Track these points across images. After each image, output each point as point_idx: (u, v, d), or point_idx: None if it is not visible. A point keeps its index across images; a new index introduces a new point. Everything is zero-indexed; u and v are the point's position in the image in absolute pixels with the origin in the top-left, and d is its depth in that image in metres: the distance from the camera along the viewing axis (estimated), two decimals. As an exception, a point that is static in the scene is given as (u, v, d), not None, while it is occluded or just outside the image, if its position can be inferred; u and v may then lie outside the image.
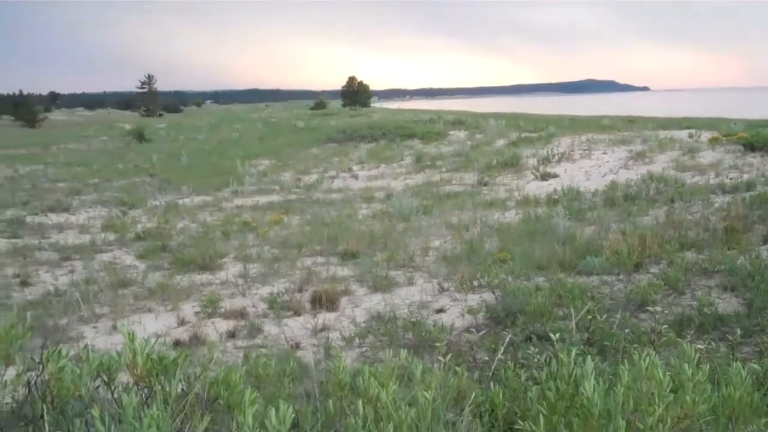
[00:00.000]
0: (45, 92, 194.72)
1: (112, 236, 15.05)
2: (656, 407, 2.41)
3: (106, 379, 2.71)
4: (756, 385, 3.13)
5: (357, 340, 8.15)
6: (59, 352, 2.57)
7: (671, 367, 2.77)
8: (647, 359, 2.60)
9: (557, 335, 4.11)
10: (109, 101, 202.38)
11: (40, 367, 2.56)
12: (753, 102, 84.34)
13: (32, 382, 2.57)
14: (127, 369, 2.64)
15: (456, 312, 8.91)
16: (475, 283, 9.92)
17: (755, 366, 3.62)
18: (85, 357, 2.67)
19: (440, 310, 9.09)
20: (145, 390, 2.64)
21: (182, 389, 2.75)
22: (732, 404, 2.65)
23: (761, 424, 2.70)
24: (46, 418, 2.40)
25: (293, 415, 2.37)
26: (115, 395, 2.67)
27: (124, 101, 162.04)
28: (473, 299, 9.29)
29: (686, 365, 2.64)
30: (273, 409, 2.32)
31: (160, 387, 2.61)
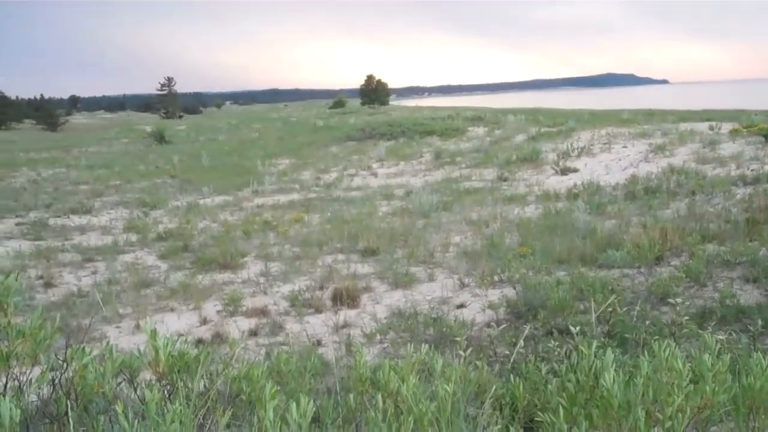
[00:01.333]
0: (66, 96, 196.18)
1: (134, 237, 15.14)
2: (676, 397, 2.41)
3: (128, 377, 2.74)
4: (777, 375, 3.12)
5: (378, 337, 8.17)
6: (83, 350, 2.60)
7: (692, 358, 2.77)
8: (667, 350, 2.60)
9: (578, 328, 4.11)
10: (129, 104, 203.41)
11: (65, 365, 2.59)
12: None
13: (57, 380, 2.60)
14: (149, 366, 2.67)
15: (477, 307, 8.91)
16: (496, 278, 9.92)
17: (777, 356, 3.61)
18: (108, 355, 2.70)
19: (461, 306, 9.10)
20: (168, 387, 2.67)
21: (204, 386, 2.77)
22: (752, 394, 2.64)
23: (782, 414, 2.69)
24: (70, 414, 2.43)
25: (314, 409, 2.39)
26: (138, 392, 2.70)
27: (144, 104, 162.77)
28: (494, 294, 9.29)
29: (706, 356, 2.64)
30: (294, 404, 2.34)
31: (182, 383, 2.64)
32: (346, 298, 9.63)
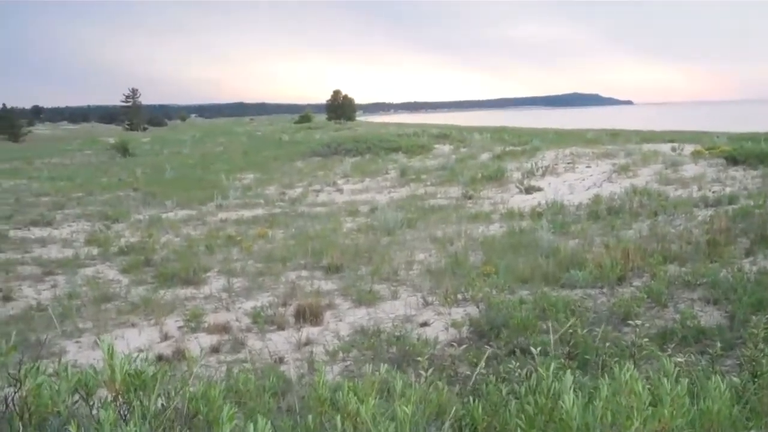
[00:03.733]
0: (28, 106, 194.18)
1: (95, 250, 14.96)
2: (634, 421, 2.42)
3: (84, 395, 2.70)
4: (735, 398, 3.14)
5: (341, 355, 8.14)
6: (37, 368, 2.56)
7: (651, 380, 2.79)
8: (627, 373, 2.61)
9: (538, 349, 4.12)
10: (93, 115, 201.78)
11: (18, 383, 2.55)
12: (736, 115, 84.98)
13: (9, 398, 2.55)
14: (105, 385, 2.63)
15: (440, 326, 8.92)
16: (459, 296, 9.93)
17: (735, 379, 3.64)
18: (64, 373, 2.66)
19: (424, 324, 9.10)
20: (124, 405, 2.63)
21: (162, 404, 2.74)
22: (710, 417, 2.66)
23: (739, 438, 2.71)
24: (23, 434, 2.39)
25: (271, 430, 2.36)
26: (94, 411, 2.65)
27: (108, 115, 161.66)
28: (457, 313, 9.30)
29: (665, 379, 2.65)
30: (251, 425, 2.32)
31: (138, 402, 2.60)
32: (309, 315, 9.58)
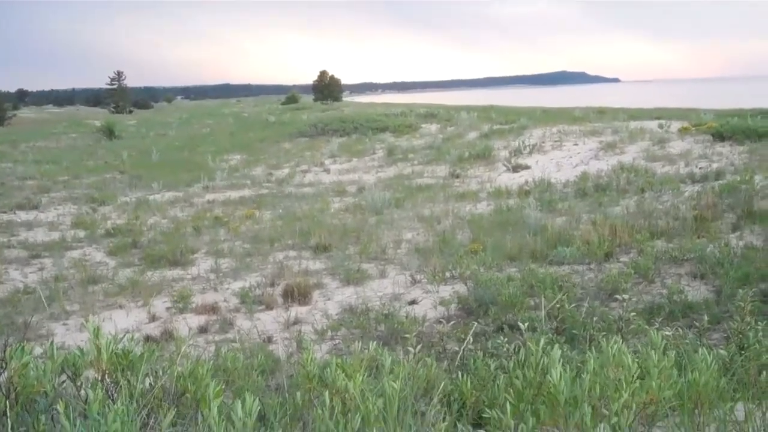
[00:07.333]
0: (13, 89, 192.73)
1: (81, 233, 14.91)
2: (622, 393, 2.43)
3: (71, 375, 2.69)
4: (722, 370, 3.16)
5: (329, 333, 8.15)
6: (22, 348, 2.54)
7: (639, 354, 2.79)
8: (614, 347, 2.62)
9: (526, 324, 4.12)
10: (79, 98, 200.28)
11: (3, 364, 2.53)
12: (722, 92, 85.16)
13: (-6, 379, 2.54)
14: (92, 365, 2.62)
15: (428, 303, 8.94)
16: (447, 274, 9.95)
17: (722, 352, 3.66)
18: (51, 353, 2.65)
19: (413, 302, 9.12)
20: (111, 385, 2.62)
21: (149, 384, 2.73)
22: (697, 389, 2.66)
23: (726, 409, 2.72)
24: (9, 414, 2.37)
25: (260, 407, 2.36)
26: (81, 391, 2.64)
27: (93, 98, 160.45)
28: (445, 291, 9.32)
29: (652, 352, 2.66)
30: (239, 402, 2.31)
31: (126, 382, 2.59)
32: (297, 294, 9.59)
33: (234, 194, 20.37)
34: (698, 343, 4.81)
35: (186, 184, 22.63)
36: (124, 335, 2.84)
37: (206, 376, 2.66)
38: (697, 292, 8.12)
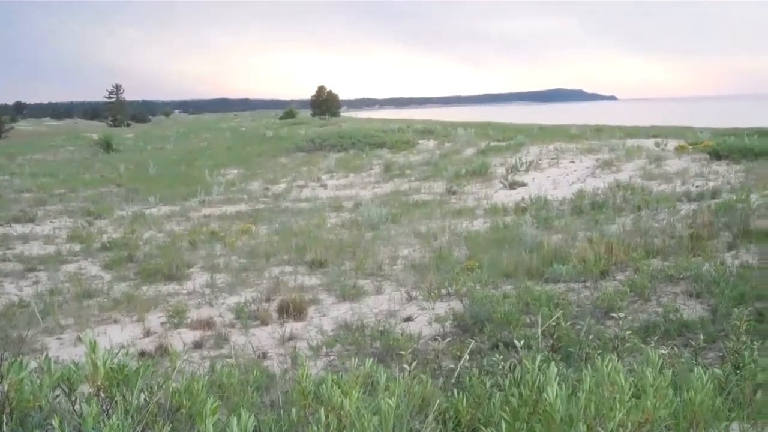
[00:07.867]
0: (11, 102, 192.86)
1: (77, 247, 14.87)
2: (617, 412, 2.43)
3: (66, 390, 2.69)
4: (718, 389, 3.16)
5: (324, 349, 8.12)
6: (19, 363, 2.54)
7: (634, 372, 2.79)
8: (610, 365, 2.62)
9: (522, 342, 4.13)
10: (77, 111, 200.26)
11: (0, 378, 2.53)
12: (718, 111, 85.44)
13: (-9, 393, 2.53)
14: (87, 380, 2.62)
15: (424, 320, 8.92)
16: (443, 291, 9.93)
17: (717, 371, 3.66)
18: (46, 368, 2.65)
19: (408, 319, 9.10)
20: (107, 400, 2.62)
21: (144, 399, 2.73)
22: (693, 408, 2.67)
23: (721, 428, 2.73)
24: (4, 429, 2.37)
25: (255, 424, 2.36)
26: (76, 406, 2.64)
27: (91, 111, 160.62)
28: (441, 307, 9.31)
29: (648, 370, 2.66)
30: (234, 418, 2.31)
31: (121, 397, 2.59)
32: (292, 310, 9.57)
33: (230, 209, 20.36)
34: (694, 362, 4.81)
35: (183, 198, 22.62)
36: (119, 350, 2.84)
37: (201, 391, 2.66)
38: (692, 310, 8.11)
